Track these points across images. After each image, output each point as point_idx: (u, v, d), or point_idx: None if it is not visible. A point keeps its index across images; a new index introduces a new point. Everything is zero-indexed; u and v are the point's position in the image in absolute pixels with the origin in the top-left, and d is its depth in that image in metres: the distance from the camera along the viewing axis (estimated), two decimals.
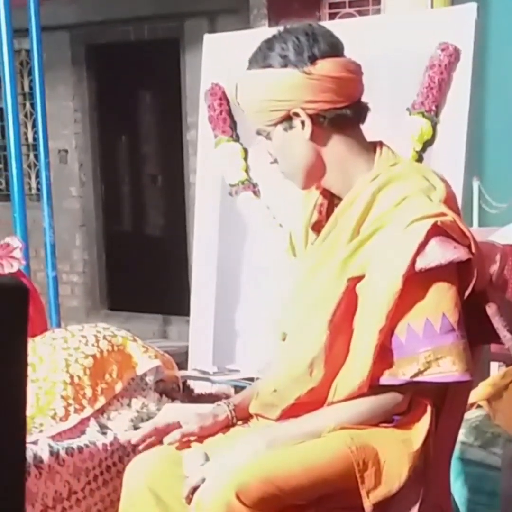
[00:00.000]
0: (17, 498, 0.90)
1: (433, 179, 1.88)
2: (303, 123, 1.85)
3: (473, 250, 1.81)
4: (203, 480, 1.77)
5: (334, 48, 1.86)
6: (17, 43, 4.83)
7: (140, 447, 2.01)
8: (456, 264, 1.79)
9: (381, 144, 1.93)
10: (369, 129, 1.94)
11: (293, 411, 1.90)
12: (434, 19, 3.46)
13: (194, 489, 1.78)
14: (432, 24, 3.31)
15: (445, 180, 1.90)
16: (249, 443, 1.82)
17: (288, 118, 1.86)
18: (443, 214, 1.80)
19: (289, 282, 2.02)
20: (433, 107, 3.14)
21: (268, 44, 1.86)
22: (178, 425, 1.99)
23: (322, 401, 1.87)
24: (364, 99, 1.90)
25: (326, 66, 1.83)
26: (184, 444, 1.97)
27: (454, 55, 3.12)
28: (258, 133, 1.94)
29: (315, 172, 1.91)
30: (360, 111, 1.89)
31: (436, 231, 1.77)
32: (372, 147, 1.92)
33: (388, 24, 3.55)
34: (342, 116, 1.85)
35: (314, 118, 1.84)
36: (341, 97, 1.84)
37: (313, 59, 1.82)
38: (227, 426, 2.01)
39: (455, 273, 1.80)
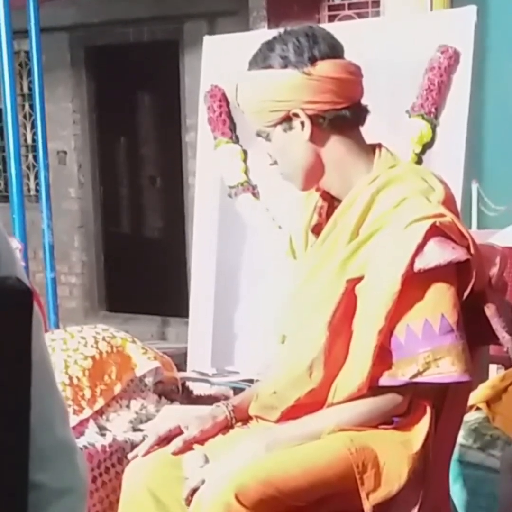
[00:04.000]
0: (20, 498, 0.90)
1: (432, 181, 1.89)
2: (302, 124, 1.86)
3: (472, 251, 1.81)
4: (203, 481, 1.77)
5: (334, 50, 1.86)
6: (17, 44, 4.83)
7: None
8: (455, 265, 1.79)
9: (380, 146, 1.93)
10: (369, 131, 1.94)
11: (293, 412, 1.90)
12: (434, 22, 3.45)
13: (194, 491, 1.78)
14: (432, 26, 3.30)
15: (444, 182, 1.91)
16: (249, 444, 1.82)
17: (287, 119, 1.86)
18: (442, 215, 1.80)
19: (288, 284, 2.02)
20: (433, 110, 3.14)
21: (269, 45, 1.87)
22: (179, 430, 1.98)
23: (321, 402, 1.87)
24: (363, 101, 1.90)
25: (326, 67, 1.83)
26: (185, 448, 1.95)
27: (454, 58, 3.12)
28: (258, 134, 1.94)
29: (314, 173, 1.91)
30: (359, 113, 1.89)
31: (435, 231, 1.77)
32: (371, 149, 1.92)
33: (387, 26, 3.55)
34: (342, 117, 1.85)
35: (314, 119, 1.85)
36: (340, 98, 1.84)
37: (313, 60, 1.83)
38: (226, 427, 2.00)
39: (454, 273, 1.80)
